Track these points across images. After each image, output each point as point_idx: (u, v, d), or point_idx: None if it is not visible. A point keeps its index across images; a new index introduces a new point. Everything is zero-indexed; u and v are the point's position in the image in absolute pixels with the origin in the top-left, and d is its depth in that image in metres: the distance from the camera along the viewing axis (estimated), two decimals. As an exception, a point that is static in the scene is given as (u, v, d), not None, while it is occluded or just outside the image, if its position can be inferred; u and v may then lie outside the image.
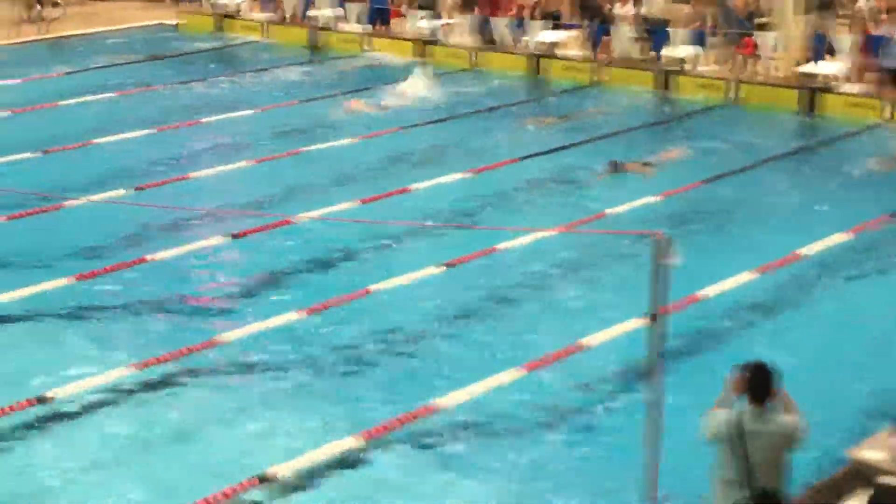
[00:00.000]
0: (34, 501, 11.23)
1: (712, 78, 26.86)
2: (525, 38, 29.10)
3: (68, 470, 11.66)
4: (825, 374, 13.47)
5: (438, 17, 30.62)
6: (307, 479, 11.47)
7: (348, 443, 11.90)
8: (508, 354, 14.04)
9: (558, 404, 13.02)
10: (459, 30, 30.28)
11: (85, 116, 24.22)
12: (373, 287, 15.56)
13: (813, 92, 25.49)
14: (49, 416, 12.54)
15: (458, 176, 20.37)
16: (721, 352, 14.02)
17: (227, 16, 33.37)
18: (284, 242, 17.43)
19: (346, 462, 11.75)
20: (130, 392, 13.13)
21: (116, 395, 13.02)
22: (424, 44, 30.00)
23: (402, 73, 27.24)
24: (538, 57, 28.54)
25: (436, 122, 24.02)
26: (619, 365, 13.81)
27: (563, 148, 22.25)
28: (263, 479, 11.23)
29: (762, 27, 27.18)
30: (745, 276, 16.02)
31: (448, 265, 16.28)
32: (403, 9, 31.38)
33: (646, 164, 20.78)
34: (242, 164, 21.13)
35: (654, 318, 9.28)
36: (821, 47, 26.27)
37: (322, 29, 31.57)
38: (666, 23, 28.35)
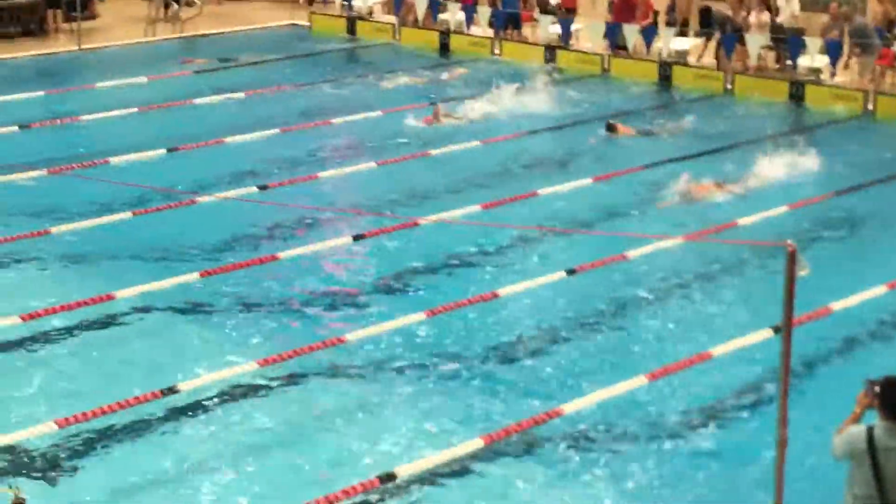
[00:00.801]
0: (151, 492, 11.33)
1: (848, 89, 26.38)
2: (656, 46, 28.87)
3: (189, 462, 11.78)
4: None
5: (570, 22, 30.44)
6: (427, 481, 11.44)
7: (469, 446, 11.84)
8: (632, 363, 13.91)
9: (682, 414, 12.86)
10: (590, 35, 30.10)
11: (214, 115, 24.47)
12: (497, 291, 15.51)
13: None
14: (173, 408, 12.67)
15: (583, 182, 20.23)
16: (851, 366, 13.75)
17: (358, 18, 33.54)
18: (407, 244, 17.44)
19: (466, 465, 11.69)
20: (252, 389, 13.21)
21: (238, 392, 13.12)
22: (554, 49, 29.88)
23: (528, 78, 27.14)
24: (669, 64, 28.29)
25: (562, 126, 23.86)
26: (746, 377, 13.60)
27: (690, 157, 22.01)
28: (384, 479, 11.20)
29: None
30: (875, 291, 15.68)
31: (572, 272, 16.16)
32: (535, 13, 31.27)
33: (718, 185, 20.29)
34: (369, 165, 21.16)
35: (782, 329, 9.09)
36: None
37: (452, 32, 31.58)
38: (801, 32, 27.93)
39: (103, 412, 12.23)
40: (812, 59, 27.05)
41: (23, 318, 14.25)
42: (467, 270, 16.80)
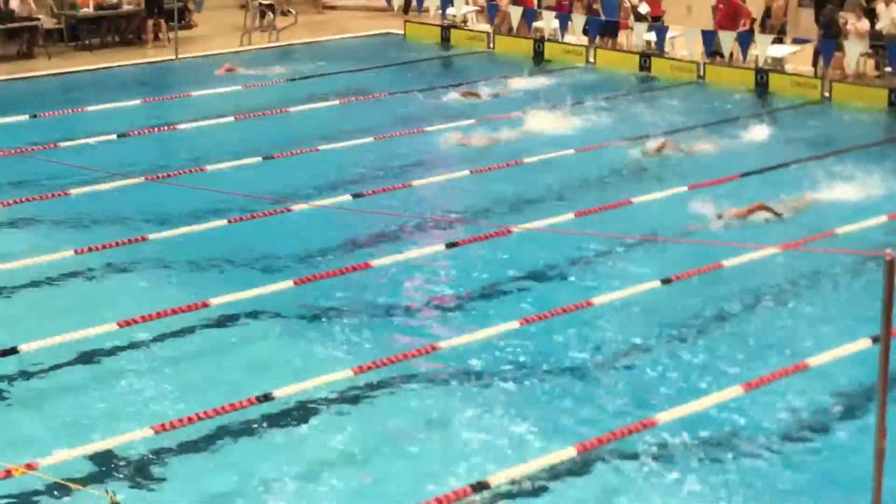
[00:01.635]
0: (243, 498, 11.39)
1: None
2: (753, 53, 28.63)
3: (284, 469, 11.82)
4: None
5: (666, 29, 30.27)
6: (521, 489, 11.40)
7: (563, 454, 11.78)
8: (728, 372, 13.81)
9: (778, 425, 12.72)
10: (685, 42, 29.92)
11: (309, 123, 24.61)
12: (591, 300, 15.44)
13: None
14: (268, 415, 12.72)
15: (677, 190, 20.08)
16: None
17: (452, 26, 33.60)
18: (500, 252, 17.42)
19: (560, 473, 11.64)
20: (347, 396, 13.25)
21: (333, 398, 13.15)
22: (649, 56, 29.73)
23: (622, 86, 27.00)
24: (766, 71, 28.03)
25: (655, 135, 23.69)
26: (845, 387, 13.44)
27: (786, 165, 21.79)
28: (477, 488, 11.18)
29: None
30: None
31: (667, 280, 16.06)
32: (630, 21, 31.15)
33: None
34: (463, 173, 21.15)
35: (881, 339, 8.97)
36: None
37: (547, 41, 31.52)
38: (900, 39, 27.62)
39: (199, 418, 12.31)
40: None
41: (119, 325, 14.41)
42: (561, 279, 16.77)
